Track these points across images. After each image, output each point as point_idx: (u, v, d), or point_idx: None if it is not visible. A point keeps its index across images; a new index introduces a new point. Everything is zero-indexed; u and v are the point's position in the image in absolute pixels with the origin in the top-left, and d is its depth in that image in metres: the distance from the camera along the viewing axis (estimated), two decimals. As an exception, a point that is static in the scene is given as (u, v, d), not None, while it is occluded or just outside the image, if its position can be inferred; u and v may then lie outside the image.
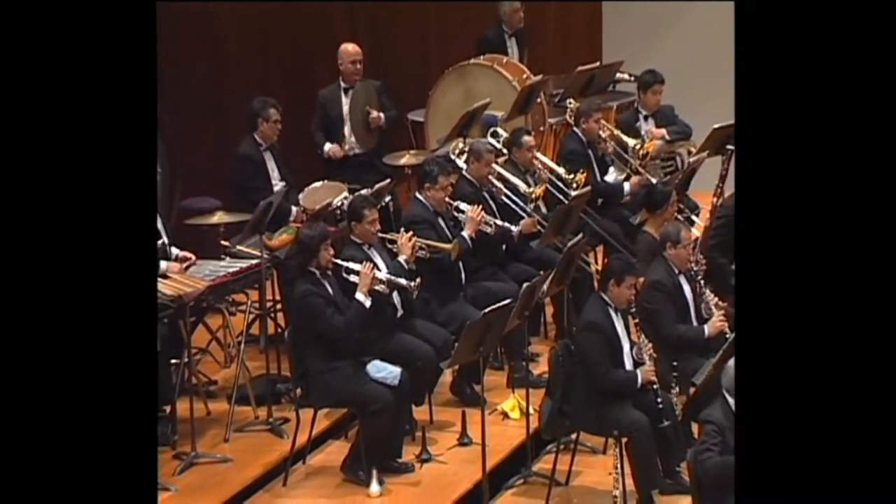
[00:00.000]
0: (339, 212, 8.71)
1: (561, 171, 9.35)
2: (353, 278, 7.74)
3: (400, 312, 8.08)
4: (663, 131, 9.93)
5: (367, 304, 7.68)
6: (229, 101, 9.79)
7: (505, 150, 9.43)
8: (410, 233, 8.13)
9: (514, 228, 8.88)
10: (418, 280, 7.90)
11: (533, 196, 9.11)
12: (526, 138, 9.38)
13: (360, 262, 7.81)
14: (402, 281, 7.85)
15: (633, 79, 10.67)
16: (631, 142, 9.79)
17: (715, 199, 9.49)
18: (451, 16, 11.59)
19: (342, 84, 9.79)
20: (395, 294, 7.96)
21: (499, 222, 8.82)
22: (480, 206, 8.74)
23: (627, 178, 9.68)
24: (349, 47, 9.82)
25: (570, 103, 9.99)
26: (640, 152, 9.70)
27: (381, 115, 9.73)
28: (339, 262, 7.75)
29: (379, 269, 7.88)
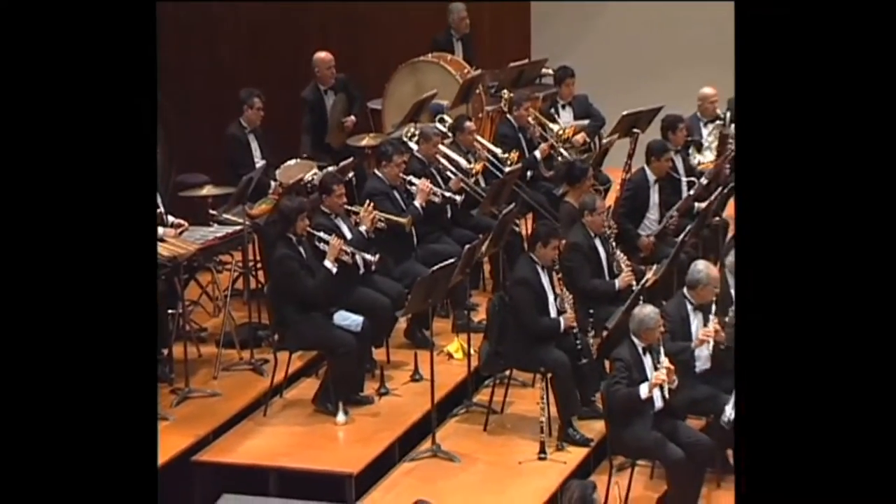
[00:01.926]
0: (310, 186, 8.67)
1: (497, 151, 9.35)
2: (322, 246, 7.77)
3: (362, 271, 8.05)
4: (583, 134, 9.88)
5: (334, 270, 7.71)
6: (220, 93, 9.78)
7: (450, 134, 9.37)
8: (371, 206, 8.14)
9: (457, 198, 8.86)
10: (377, 256, 7.93)
11: (473, 171, 9.11)
12: (468, 123, 9.35)
13: (330, 231, 7.82)
14: (367, 256, 7.89)
15: (554, 73, 10.48)
16: (555, 127, 9.79)
17: (624, 175, 9.40)
18: (408, 20, 11.57)
19: (321, 86, 9.73)
20: (357, 256, 7.96)
21: (445, 193, 8.82)
22: (429, 180, 8.74)
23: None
24: (323, 55, 9.75)
25: (504, 94, 9.94)
26: (563, 137, 9.70)
27: (354, 118, 9.72)
28: (312, 231, 7.78)
29: (346, 238, 7.90)
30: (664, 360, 6.84)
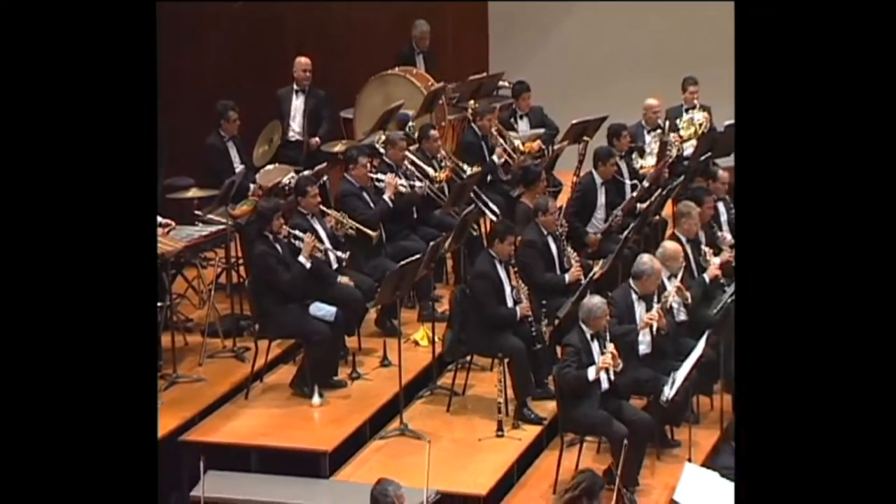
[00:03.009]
0: (287, 188, 8.66)
1: (465, 167, 9.29)
2: (298, 243, 7.77)
3: (335, 266, 8.07)
4: (538, 142, 9.85)
5: (308, 265, 7.72)
6: (204, 100, 9.76)
7: (417, 141, 9.34)
8: (341, 213, 8.15)
9: (422, 186, 8.83)
10: (348, 254, 7.96)
11: (438, 179, 9.10)
12: (432, 132, 9.35)
13: (305, 230, 7.82)
14: (339, 254, 7.94)
15: (509, 86, 10.58)
16: (515, 140, 9.77)
17: (574, 178, 9.52)
18: (377, 36, 11.59)
19: (295, 87, 9.77)
20: (330, 254, 7.99)
21: (417, 184, 8.81)
22: (395, 175, 8.74)
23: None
24: (302, 59, 9.76)
25: (471, 105, 9.94)
26: (523, 148, 9.69)
27: (318, 140, 9.69)
28: (288, 230, 7.78)
29: (320, 238, 7.91)
30: (610, 346, 6.93)
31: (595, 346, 6.98)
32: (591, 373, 6.84)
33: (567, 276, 8.08)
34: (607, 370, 6.88)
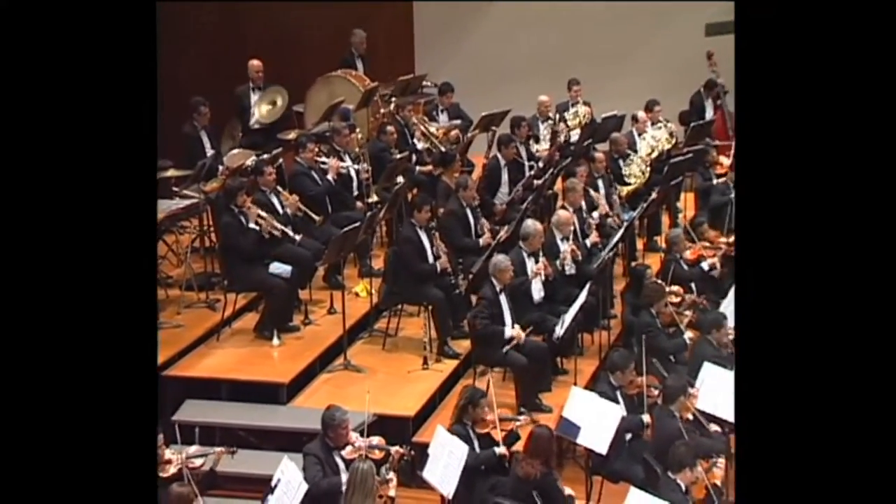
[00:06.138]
0: (249, 169, 8.54)
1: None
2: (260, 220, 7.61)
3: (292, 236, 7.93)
4: (456, 132, 9.77)
5: (266, 237, 7.57)
6: (180, 99, 9.57)
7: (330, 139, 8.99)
8: (295, 196, 7.98)
9: (356, 168, 8.69)
10: (300, 236, 7.79)
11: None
12: (344, 129, 8.81)
13: (264, 205, 7.71)
14: (291, 234, 7.69)
15: (432, 85, 10.57)
16: (433, 128, 9.72)
17: (484, 160, 9.52)
18: (323, 42, 11.49)
19: (251, 85, 9.58)
20: (286, 231, 7.83)
21: (353, 166, 8.67)
22: (336, 158, 8.63)
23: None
24: (255, 62, 9.60)
25: (393, 100, 9.87)
26: (438, 135, 9.64)
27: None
28: (253, 208, 7.57)
29: (277, 211, 7.77)
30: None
31: (503, 297, 7.02)
32: (508, 332, 6.91)
33: (480, 241, 8.08)
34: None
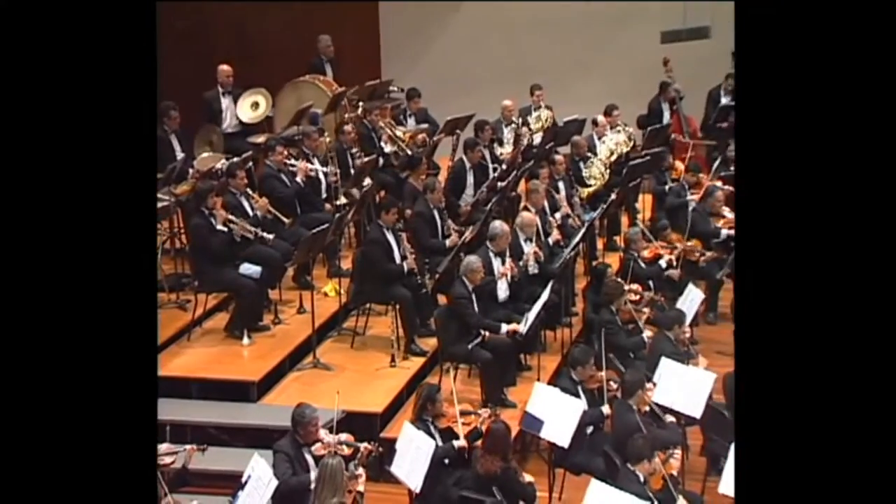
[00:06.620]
0: (219, 172, 8.46)
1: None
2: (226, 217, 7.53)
3: (262, 236, 7.86)
4: (423, 135, 9.74)
5: (238, 239, 7.52)
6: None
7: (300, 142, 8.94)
8: (265, 198, 7.91)
9: (325, 171, 8.63)
10: (273, 236, 7.73)
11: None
12: (314, 133, 8.81)
13: (234, 207, 7.64)
14: (263, 234, 7.64)
15: (399, 90, 10.56)
16: (399, 132, 9.68)
17: (449, 162, 9.52)
18: (291, 47, 11.43)
19: (220, 90, 9.51)
20: (258, 233, 7.74)
21: (322, 169, 8.61)
22: (305, 160, 8.56)
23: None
24: (224, 67, 9.54)
25: (361, 104, 9.84)
26: (404, 138, 9.60)
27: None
28: (222, 212, 7.47)
29: (248, 213, 7.71)
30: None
31: (474, 297, 7.05)
32: (504, 327, 6.95)
33: (447, 242, 8.07)
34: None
